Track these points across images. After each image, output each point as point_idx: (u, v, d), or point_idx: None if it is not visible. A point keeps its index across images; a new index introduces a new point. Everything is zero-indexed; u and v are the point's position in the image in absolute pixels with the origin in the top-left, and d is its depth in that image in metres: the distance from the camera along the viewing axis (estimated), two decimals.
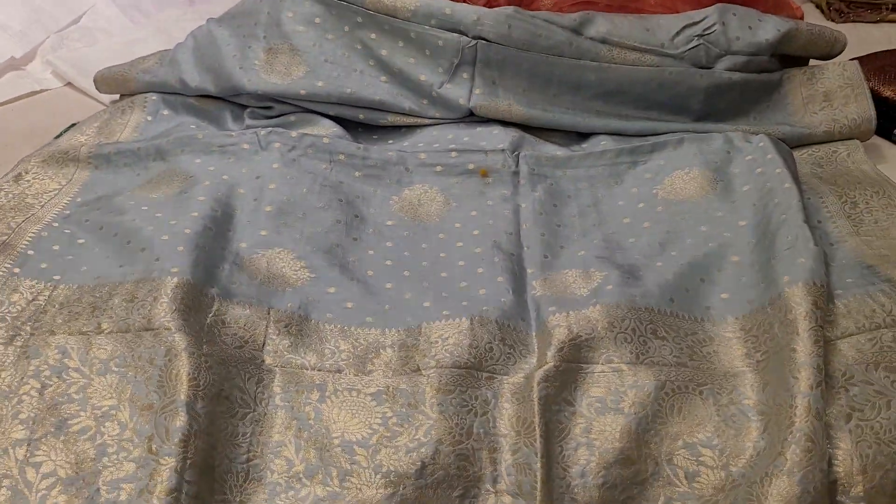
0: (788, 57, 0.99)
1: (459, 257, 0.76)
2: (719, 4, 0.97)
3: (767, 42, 0.94)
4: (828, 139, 0.92)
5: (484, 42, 0.92)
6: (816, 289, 0.62)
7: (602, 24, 0.94)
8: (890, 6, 1.35)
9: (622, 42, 0.93)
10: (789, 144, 0.89)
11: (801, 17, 1.05)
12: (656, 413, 0.59)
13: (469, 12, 0.92)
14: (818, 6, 1.41)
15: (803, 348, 0.58)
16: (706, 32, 0.94)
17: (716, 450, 0.58)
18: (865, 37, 1.30)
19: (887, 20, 1.36)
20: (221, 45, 0.98)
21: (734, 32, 0.94)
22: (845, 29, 1.34)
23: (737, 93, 0.94)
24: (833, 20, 1.37)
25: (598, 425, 0.60)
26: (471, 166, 0.87)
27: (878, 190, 0.82)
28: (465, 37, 0.92)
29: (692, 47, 0.93)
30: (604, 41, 0.93)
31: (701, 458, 0.58)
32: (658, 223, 0.79)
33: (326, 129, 0.92)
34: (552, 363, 0.62)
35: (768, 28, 0.94)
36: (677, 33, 0.94)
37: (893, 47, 1.11)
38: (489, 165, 0.88)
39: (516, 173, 0.87)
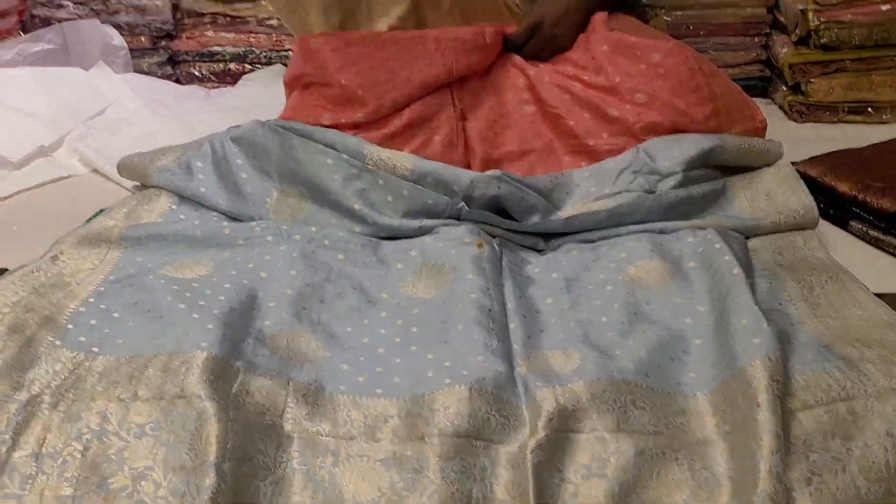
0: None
1: (459, 320, 0.84)
2: (639, 145, 1.09)
3: (692, 158, 1.04)
4: (775, 230, 1.02)
5: (470, 208, 1.02)
6: (772, 364, 0.70)
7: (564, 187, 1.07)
8: (846, 109, 1.49)
9: (583, 199, 1.05)
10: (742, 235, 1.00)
11: (764, 127, 1.16)
12: (637, 477, 0.66)
13: (465, 176, 1.02)
14: (781, 107, 1.55)
15: (764, 418, 0.66)
16: (637, 169, 1.06)
17: None
18: (824, 135, 1.44)
19: (844, 121, 1.49)
20: (236, 172, 1.06)
21: (661, 160, 1.05)
22: (806, 128, 1.49)
23: (686, 205, 1.04)
24: (795, 120, 1.50)
25: (585, 490, 0.66)
26: (467, 239, 0.97)
27: (832, 275, 0.91)
28: (454, 198, 1.02)
29: (632, 181, 1.04)
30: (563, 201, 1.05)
31: None
32: (626, 305, 0.87)
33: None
34: (543, 433, 0.69)
35: (690, 147, 1.05)
36: (617, 176, 1.06)
37: (849, 146, 1.23)
38: (483, 238, 0.97)
39: (500, 258, 0.96)
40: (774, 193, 1.06)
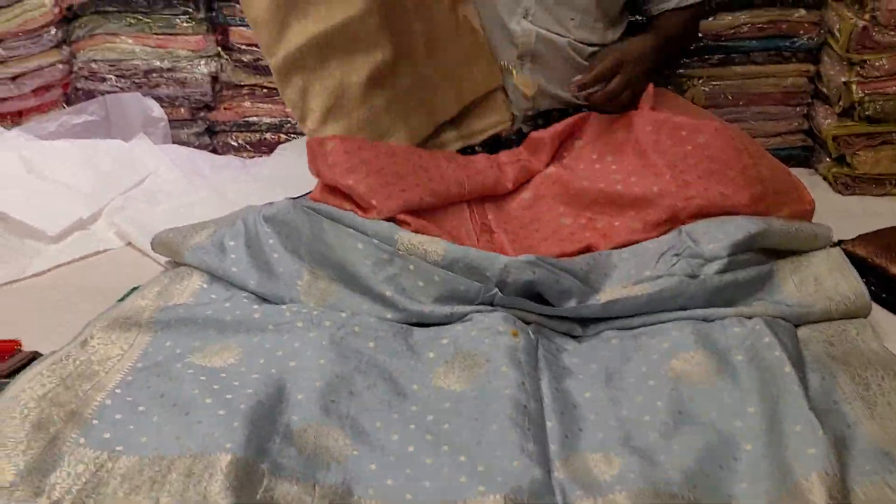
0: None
1: (493, 419, 0.80)
2: (682, 226, 1.05)
3: (738, 242, 1.00)
4: (826, 317, 0.97)
5: (503, 294, 0.99)
6: (830, 478, 0.65)
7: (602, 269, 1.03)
8: (893, 181, 1.44)
9: (622, 282, 1.01)
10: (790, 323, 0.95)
11: (812, 209, 1.12)
12: None
13: (498, 261, 0.99)
14: (825, 178, 1.50)
15: None
16: (679, 252, 1.02)
17: None
18: (870, 209, 1.38)
19: (891, 194, 1.44)
20: (268, 252, 1.05)
21: (705, 243, 1.01)
22: (852, 201, 1.44)
23: (731, 290, 0.99)
24: (840, 192, 1.45)
25: None
26: (501, 328, 0.93)
27: (888, 371, 0.86)
28: (487, 285, 0.99)
29: (674, 264, 1.00)
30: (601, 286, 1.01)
31: None
32: (670, 403, 0.83)
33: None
34: None
35: (736, 230, 1.01)
36: (658, 259, 1.02)
37: None
38: (518, 327, 0.94)
39: (535, 348, 0.93)
40: (824, 278, 1.02)
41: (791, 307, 0.98)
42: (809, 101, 1.53)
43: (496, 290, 0.99)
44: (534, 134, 1.22)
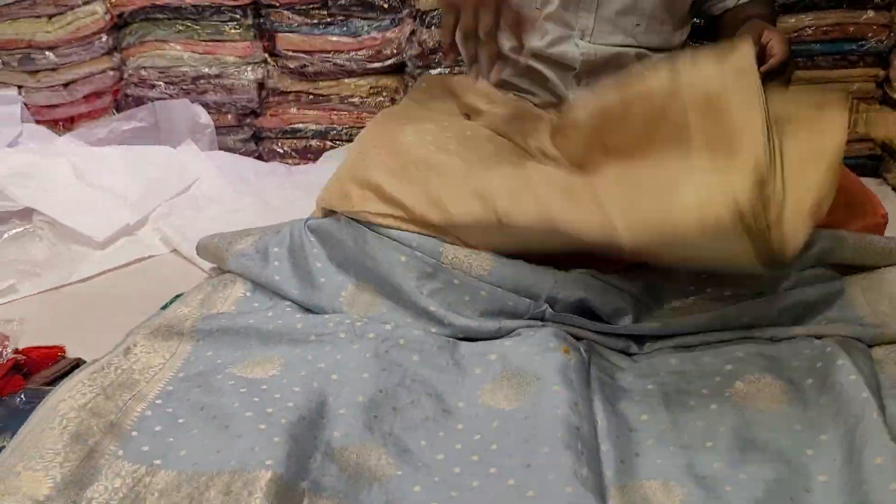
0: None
1: (544, 441, 0.76)
2: None
3: (807, 256, 0.93)
4: None
5: (554, 310, 0.95)
6: None
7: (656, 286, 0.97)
8: None
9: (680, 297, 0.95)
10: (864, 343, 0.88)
11: (885, 223, 1.05)
12: None
13: (547, 277, 0.94)
14: (895, 188, 1.42)
15: None
16: None
17: None
18: None
19: None
20: (311, 262, 1.02)
21: None
22: None
23: (800, 309, 0.93)
24: None
25: None
26: (552, 344, 0.89)
27: None
28: (537, 300, 0.95)
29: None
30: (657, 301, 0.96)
31: None
32: (735, 428, 0.77)
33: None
34: None
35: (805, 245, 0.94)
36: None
37: None
38: (570, 343, 0.89)
39: (588, 366, 0.88)
40: None
41: (864, 327, 0.91)
42: (878, 107, 1.45)
43: (546, 305, 0.94)
44: None
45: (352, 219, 1.02)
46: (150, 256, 1.29)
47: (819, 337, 0.88)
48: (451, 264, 0.96)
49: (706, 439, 0.77)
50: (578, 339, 0.93)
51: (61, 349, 0.98)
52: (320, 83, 1.61)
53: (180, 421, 0.78)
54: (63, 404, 0.76)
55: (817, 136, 0.84)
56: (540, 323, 0.94)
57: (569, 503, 0.68)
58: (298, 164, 1.63)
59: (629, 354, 0.94)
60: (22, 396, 0.85)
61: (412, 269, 0.97)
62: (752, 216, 0.74)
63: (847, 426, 0.73)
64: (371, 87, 1.59)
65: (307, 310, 1.00)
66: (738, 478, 0.71)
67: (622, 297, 0.95)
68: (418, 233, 0.98)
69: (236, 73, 1.58)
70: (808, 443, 0.74)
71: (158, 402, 0.81)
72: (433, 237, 0.98)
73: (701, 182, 0.78)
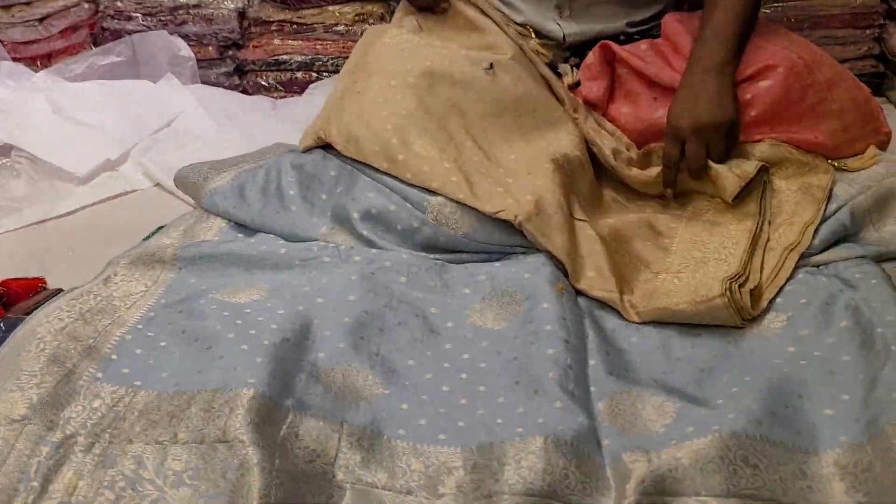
0: None
1: (533, 358, 0.74)
2: None
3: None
4: None
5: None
6: None
7: None
8: None
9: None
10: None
11: (888, 140, 1.01)
12: None
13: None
14: None
15: None
16: None
17: None
18: None
19: None
20: (288, 203, 0.99)
21: None
22: None
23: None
24: None
25: None
26: (544, 266, 0.86)
27: None
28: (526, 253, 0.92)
29: None
30: None
31: None
32: (727, 352, 0.76)
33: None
34: (632, 497, 0.59)
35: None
36: None
37: None
38: (563, 281, 0.86)
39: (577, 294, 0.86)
40: None
41: (867, 246, 0.88)
42: (882, 22, 1.40)
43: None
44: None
45: (346, 161, 0.99)
46: (132, 191, 1.26)
47: (821, 265, 0.85)
48: (436, 220, 0.92)
49: (698, 362, 0.75)
50: None
51: (42, 281, 0.97)
52: (303, 11, 1.55)
53: (161, 344, 0.76)
54: (41, 328, 0.75)
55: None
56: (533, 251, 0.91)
57: (558, 418, 0.67)
58: (284, 97, 1.58)
59: None
60: (1, 325, 0.83)
61: (399, 220, 0.93)
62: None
63: (856, 342, 0.71)
64: (356, 14, 1.53)
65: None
66: (730, 391, 0.70)
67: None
68: (407, 183, 0.94)
69: (216, 2, 1.53)
70: (803, 357, 0.73)
71: (139, 327, 0.79)
72: (419, 189, 0.94)
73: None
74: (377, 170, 0.96)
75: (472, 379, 0.75)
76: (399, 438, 0.68)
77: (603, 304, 0.85)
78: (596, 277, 0.85)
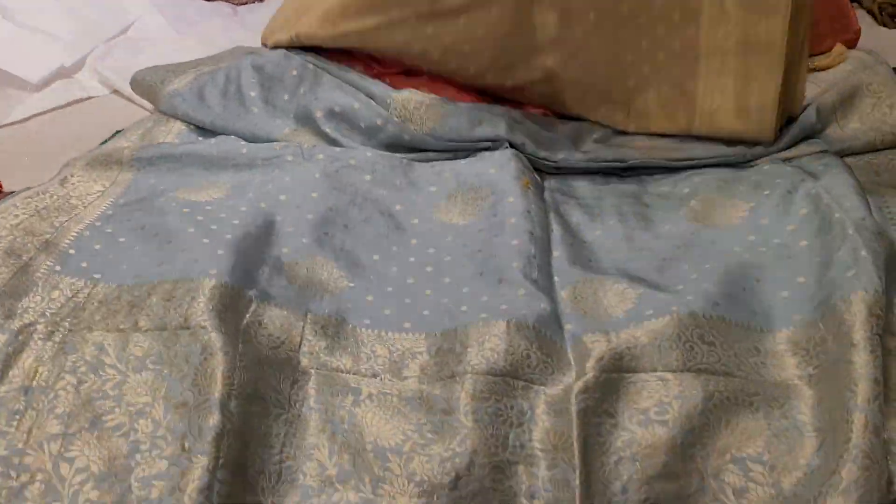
0: None
1: (497, 249, 0.75)
2: None
3: (794, 136, 0.89)
4: (870, 148, 0.88)
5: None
6: (871, 297, 0.59)
7: None
8: None
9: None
10: None
11: (857, 38, 1.00)
12: (703, 426, 0.57)
13: (501, 116, 0.91)
14: (870, 11, 1.36)
15: (859, 359, 0.55)
16: None
17: (766, 466, 0.55)
18: None
19: None
20: (249, 105, 0.96)
21: None
22: None
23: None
24: (885, 25, 1.32)
25: (641, 438, 0.57)
26: (510, 161, 0.85)
27: None
28: (494, 142, 0.91)
29: None
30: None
31: (750, 474, 0.55)
32: (688, 243, 0.76)
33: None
34: (591, 374, 0.60)
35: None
36: None
37: None
38: (530, 176, 0.86)
39: (542, 187, 0.86)
40: (869, 112, 0.91)
41: (831, 142, 0.89)
42: None
43: (506, 144, 0.90)
44: None
45: (308, 61, 0.96)
46: (88, 98, 1.21)
47: (786, 160, 0.85)
48: (400, 116, 0.90)
49: (660, 253, 0.76)
50: (537, 171, 0.90)
51: None
52: None
53: (121, 240, 0.75)
54: None
55: None
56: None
57: (521, 304, 0.67)
58: (245, 3, 1.52)
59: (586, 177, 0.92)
60: None
61: (362, 118, 0.91)
62: None
63: (813, 229, 0.72)
64: None
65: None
66: (690, 277, 0.71)
67: (583, 134, 0.91)
68: (372, 79, 0.92)
69: None
70: (763, 245, 0.74)
71: (97, 224, 0.77)
72: (383, 85, 0.92)
73: None
74: (340, 68, 0.94)
75: (438, 271, 0.75)
76: (364, 327, 0.68)
77: (568, 199, 0.85)
78: None
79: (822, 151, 0.85)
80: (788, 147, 0.87)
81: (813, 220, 0.72)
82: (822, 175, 0.79)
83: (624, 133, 0.95)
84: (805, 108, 0.88)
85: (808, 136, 0.88)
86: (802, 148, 0.86)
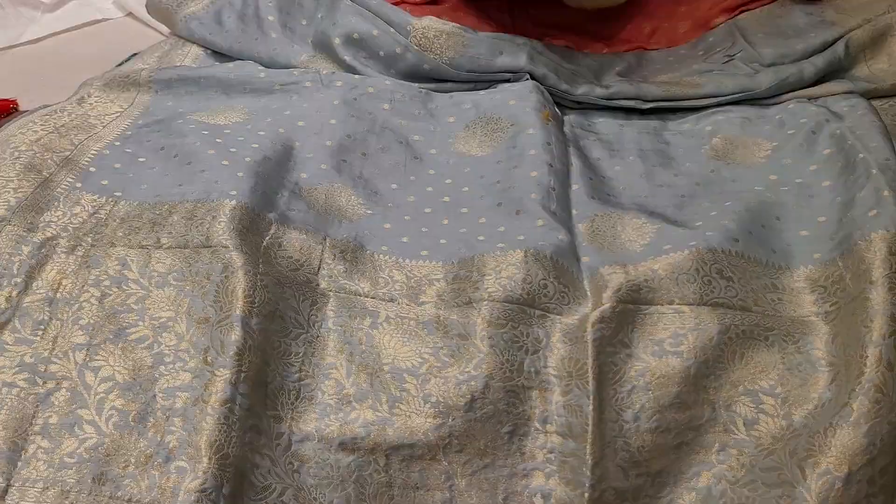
0: None
1: (516, 181, 0.74)
2: (735, 20, 0.94)
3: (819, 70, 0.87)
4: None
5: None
6: (892, 235, 0.59)
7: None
8: None
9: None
10: None
11: None
12: (717, 358, 0.58)
13: (523, 48, 0.90)
14: None
15: (877, 296, 0.56)
16: (732, 54, 0.92)
17: (778, 398, 0.56)
18: None
19: None
20: (267, 30, 0.95)
21: (762, 46, 0.91)
22: None
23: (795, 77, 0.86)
24: None
25: (655, 368, 0.58)
26: (530, 93, 0.84)
27: None
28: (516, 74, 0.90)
29: (726, 63, 0.91)
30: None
31: (762, 406, 0.56)
32: (709, 180, 0.76)
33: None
34: (608, 304, 0.61)
35: (804, 45, 0.89)
36: (704, 59, 0.93)
37: None
38: (551, 109, 0.85)
39: (562, 121, 0.85)
40: None
41: (858, 82, 0.87)
42: None
43: (527, 76, 0.88)
44: None
45: None
46: (103, 20, 1.19)
47: (812, 98, 0.84)
48: (419, 45, 0.89)
49: (680, 189, 0.76)
50: (557, 105, 0.89)
51: (14, 102, 0.93)
52: None
53: (140, 160, 0.75)
54: (14, 138, 0.73)
55: None
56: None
57: (539, 235, 0.67)
58: None
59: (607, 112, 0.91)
60: None
61: (381, 46, 0.89)
62: None
63: (838, 168, 0.71)
64: None
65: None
66: (710, 214, 0.70)
67: (604, 68, 0.90)
68: (391, 5, 0.91)
69: None
70: (784, 184, 0.73)
71: (116, 143, 0.77)
72: (403, 12, 0.91)
73: None
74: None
75: (455, 201, 0.75)
76: (381, 253, 0.69)
77: (588, 134, 0.84)
78: None
79: (848, 92, 0.83)
80: (814, 83, 0.85)
81: (836, 160, 0.72)
82: (848, 116, 0.78)
83: (646, 65, 0.94)
84: (836, 41, 0.86)
85: (835, 71, 0.86)
86: (829, 87, 0.85)
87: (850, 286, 0.59)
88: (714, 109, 0.86)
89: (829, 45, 0.86)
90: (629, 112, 0.88)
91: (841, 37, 0.86)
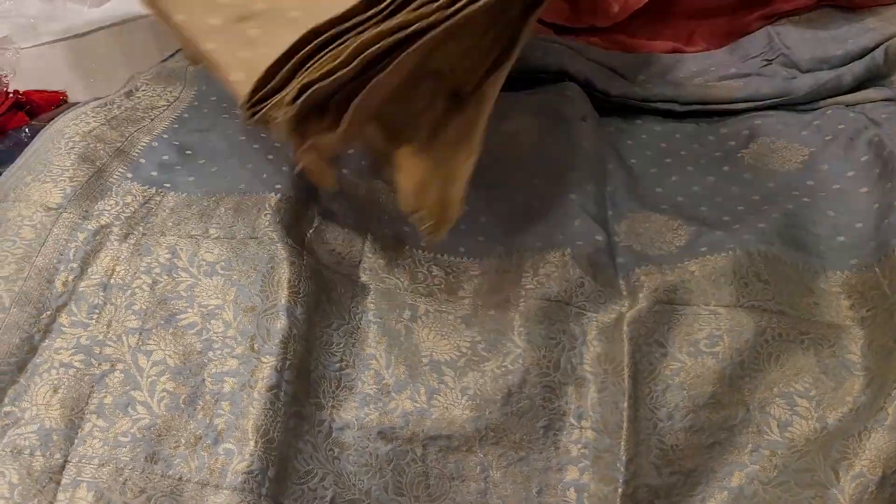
0: None
1: (555, 179, 0.75)
2: (770, 27, 0.94)
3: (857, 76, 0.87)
4: None
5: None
6: None
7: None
8: None
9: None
10: None
11: None
12: (753, 360, 0.58)
13: (558, 49, 0.90)
14: None
15: None
16: (771, 59, 0.92)
17: (813, 401, 0.57)
18: None
19: None
20: None
21: (801, 53, 0.91)
22: None
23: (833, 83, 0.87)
24: None
25: (690, 368, 0.59)
26: (568, 92, 0.86)
27: None
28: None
29: (763, 67, 0.91)
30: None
31: (796, 408, 0.57)
32: (745, 184, 0.76)
33: None
34: (644, 303, 0.62)
35: (843, 50, 0.89)
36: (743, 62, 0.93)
37: None
38: (588, 111, 0.86)
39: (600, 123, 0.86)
40: None
41: (894, 90, 0.87)
42: None
43: (564, 76, 0.89)
44: None
45: None
46: (148, 15, 1.22)
47: (851, 105, 0.84)
48: None
49: (715, 193, 0.76)
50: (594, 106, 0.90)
51: (63, 94, 0.96)
52: None
53: (188, 152, 0.77)
54: (68, 129, 0.75)
55: None
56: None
57: (576, 235, 0.69)
58: None
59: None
60: (27, 130, 0.84)
61: None
62: None
63: (873, 175, 0.71)
64: None
65: None
66: (746, 218, 0.71)
67: (641, 69, 0.91)
68: None
69: None
70: (822, 190, 0.73)
71: (164, 136, 0.79)
72: None
73: None
74: None
75: (491, 198, 0.76)
76: (420, 249, 0.70)
77: (624, 136, 0.85)
78: None
79: (887, 99, 0.83)
80: (852, 90, 0.85)
81: (874, 166, 0.72)
82: (886, 123, 0.78)
83: (682, 67, 0.94)
84: (876, 47, 0.86)
85: (874, 78, 0.86)
86: (867, 94, 0.84)
87: (887, 292, 0.59)
88: (751, 114, 0.86)
89: (869, 52, 0.86)
90: (666, 114, 0.89)
91: (880, 43, 0.86)
